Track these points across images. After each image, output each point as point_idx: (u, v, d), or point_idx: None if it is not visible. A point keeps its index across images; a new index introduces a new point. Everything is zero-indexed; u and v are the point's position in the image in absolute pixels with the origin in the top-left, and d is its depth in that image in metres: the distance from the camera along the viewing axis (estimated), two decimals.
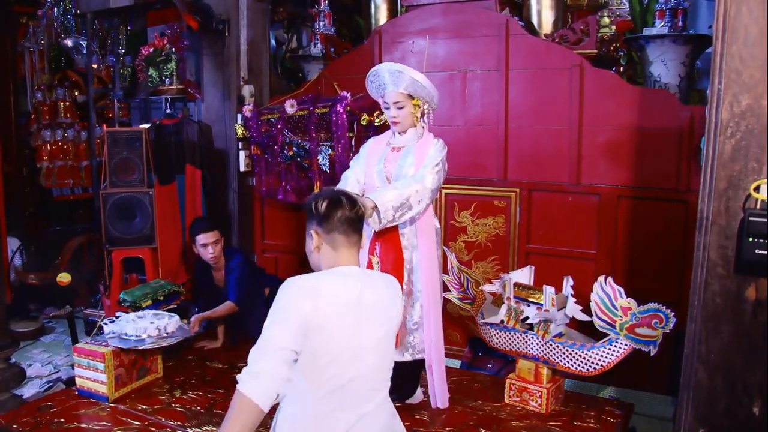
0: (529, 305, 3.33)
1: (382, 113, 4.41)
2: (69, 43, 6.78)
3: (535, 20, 4.49)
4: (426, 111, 3.28)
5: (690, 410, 2.23)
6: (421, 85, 3.15)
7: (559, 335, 3.29)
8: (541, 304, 3.27)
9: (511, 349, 3.45)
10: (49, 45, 6.96)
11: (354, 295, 2.04)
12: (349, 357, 2.00)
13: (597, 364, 3.20)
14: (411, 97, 3.19)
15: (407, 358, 3.31)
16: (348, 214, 2.10)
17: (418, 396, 3.49)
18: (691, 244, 2.33)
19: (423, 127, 3.31)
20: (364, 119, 4.41)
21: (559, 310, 3.22)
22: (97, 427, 3.13)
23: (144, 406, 3.33)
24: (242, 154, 5.02)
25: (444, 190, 4.45)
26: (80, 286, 5.75)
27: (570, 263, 4.14)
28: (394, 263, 3.23)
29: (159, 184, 5.00)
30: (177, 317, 3.72)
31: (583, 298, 4.13)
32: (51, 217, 7.09)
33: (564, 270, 4.18)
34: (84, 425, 3.15)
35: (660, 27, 3.93)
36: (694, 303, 2.23)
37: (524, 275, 3.50)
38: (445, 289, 3.64)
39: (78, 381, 3.47)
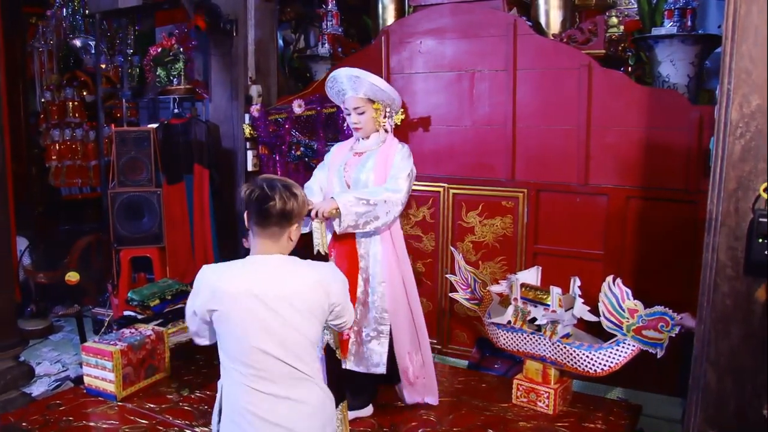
0: (536, 306, 3.32)
1: None
2: (78, 43, 6.82)
3: (543, 20, 4.48)
4: (388, 114, 3.24)
5: (699, 412, 2.21)
6: (380, 89, 3.12)
7: (567, 336, 3.28)
8: (549, 305, 3.26)
9: (518, 349, 3.44)
10: (58, 45, 6.99)
11: (258, 283, 2.12)
12: (251, 341, 2.11)
13: (604, 365, 3.19)
14: (371, 101, 3.15)
15: (362, 369, 3.23)
16: (258, 210, 2.16)
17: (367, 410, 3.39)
18: (700, 245, 2.32)
19: (386, 131, 3.27)
20: None
21: (566, 311, 3.21)
22: (105, 426, 3.14)
23: (152, 405, 3.34)
24: (250, 154, 5.03)
25: (452, 190, 4.45)
26: (89, 285, 5.77)
27: (578, 264, 4.11)
28: (348, 271, 3.04)
29: (167, 183, 5.05)
30: None
31: (590, 298, 4.10)
32: (60, 216, 7.11)
33: (571, 270, 4.16)
34: (92, 424, 3.16)
35: (669, 27, 3.91)
36: (703, 304, 2.21)
37: (531, 276, 3.49)
38: (453, 289, 3.63)
39: (86, 379, 3.48)
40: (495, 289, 3.55)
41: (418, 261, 4.59)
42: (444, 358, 4.32)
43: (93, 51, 6.54)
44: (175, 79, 5.16)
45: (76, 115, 6.83)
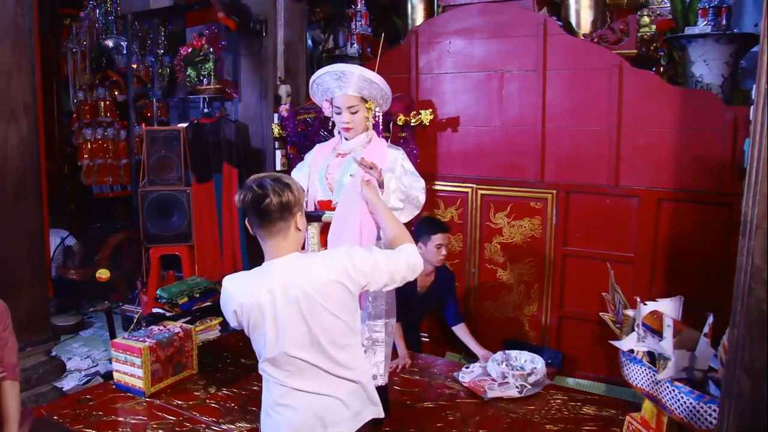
0: (653, 336, 2.79)
1: (418, 113, 4.41)
2: (110, 43, 6.92)
3: (573, 20, 4.44)
4: (376, 113, 3.06)
5: (732, 420, 2.16)
6: (372, 81, 2.90)
7: (689, 381, 2.67)
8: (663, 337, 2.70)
9: (636, 384, 2.90)
10: (91, 45, 7.10)
11: (276, 290, 2.12)
12: (276, 346, 2.14)
13: (707, 422, 2.53)
14: (364, 100, 2.97)
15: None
16: (257, 212, 2.12)
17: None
18: (734, 249, 2.26)
19: (372, 132, 3.09)
20: (400, 119, 4.41)
21: (688, 350, 2.64)
22: (133, 421, 3.15)
23: (179, 402, 3.35)
24: (278, 153, 5.05)
25: (480, 191, 4.44)
26: (119, 282, 5.82)
27: (607, 266, 4.08)
28: None
29: (196, 182, 5.08)
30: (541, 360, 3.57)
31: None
32: (91, 214, 7.21)
33: (601, 273, 4.11)
34: (121, 419, 3.17)
35: (703, 26, 3.84)
36: (737, 309, 2.16)
37: (670, 307, 2.82)
38: (604, 309, 3.29)
39: (115, 375, 3.49)
40: (631, 312, 3.01)
41: (445, 261, 4.57)
42: (472, 359, 4.27)
43: (125, 51, 6.60)
44: (205, 79, 5.18)
45: (108, 114, 6.92)
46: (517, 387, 3.40)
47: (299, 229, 2.20)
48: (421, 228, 4.01)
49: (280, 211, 2.11)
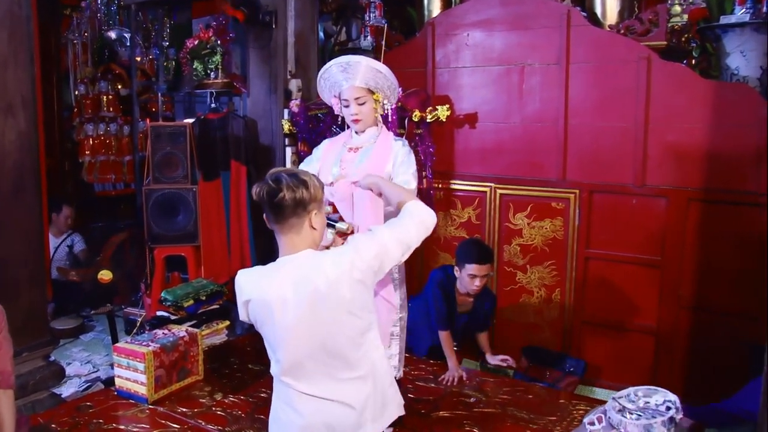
0: None
1: (435, 109, 4.31)
2: (112, 35, 6.89)
3: (599, 10, 4.39)
4: (385, 105, 3.10)
5: None
6: (378, 71, 2.96)
7: None
8: None
9: None
10: (92, 37, 7.00)
11: (287, 288, 2.13)
12: (286, 346, 2.16)
13: None
14: (371, 92, 3.01)
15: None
16: (270, 207, 2.14)
17: None
18: None
19: (382, 126, 3.14)
20: (415, 116, 4.30)
21: None
22: (135, 429, 3.09)
23: (184, 409, 3.28)
24: (289, 150, 4.97)
25: (499, 190, 4.36)
26: (121, 284, 5.75)
27: (633, 270, 3.98)
28: None
29: (203, 180, 5.00)
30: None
31: (647, 309, 3.95)
32: (93, 212, 7.14)
33: (626, 277, 3.99)
34: (122, 427, 3.11)
35: (740, 14, 3.70)
36: None
37: None
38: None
39: (117, 381, 3.44)
40: None
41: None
42: (489, 367, 4.16)
43: (128, 43, 6.58)
44: (212, 73, 5.09)
45: (111, 109, 6.82)
46: None
47: (314, 228, 2.21)
48: (461, 251, 3.84)
49: (293, 207, 2.13)
